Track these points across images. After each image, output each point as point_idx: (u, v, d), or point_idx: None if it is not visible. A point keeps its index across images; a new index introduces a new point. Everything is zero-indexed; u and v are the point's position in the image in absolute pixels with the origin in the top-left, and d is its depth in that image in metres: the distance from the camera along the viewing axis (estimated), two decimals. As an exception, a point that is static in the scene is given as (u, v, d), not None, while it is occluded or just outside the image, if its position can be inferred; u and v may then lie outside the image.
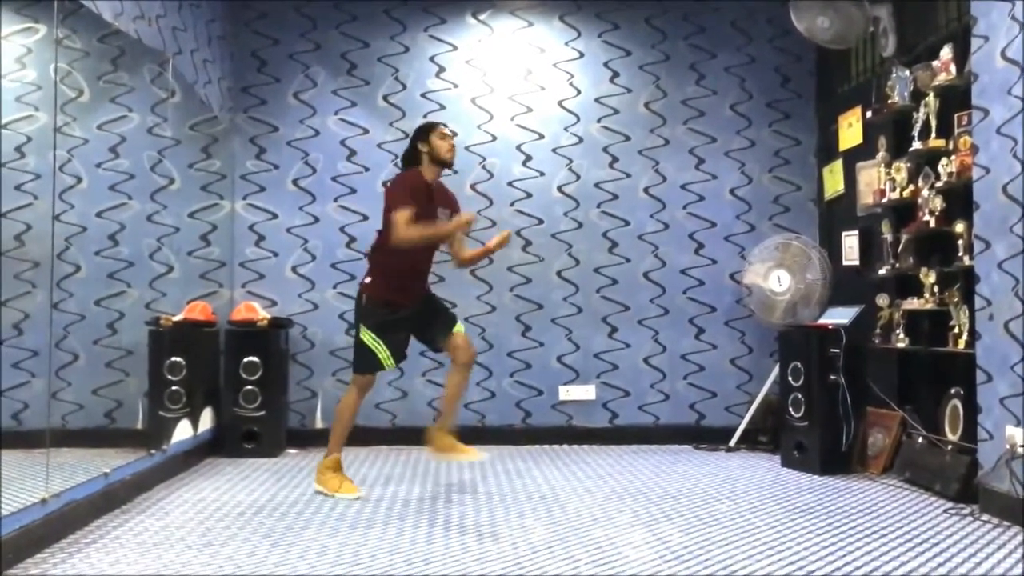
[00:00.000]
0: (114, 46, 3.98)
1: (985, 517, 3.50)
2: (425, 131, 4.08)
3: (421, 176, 4.02)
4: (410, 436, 5.42)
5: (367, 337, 3.96)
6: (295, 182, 5.60)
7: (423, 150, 4.03)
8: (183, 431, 4.59)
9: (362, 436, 5.41)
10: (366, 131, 5.63)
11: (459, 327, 4.05)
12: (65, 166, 3.57)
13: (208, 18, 5.14)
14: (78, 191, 3.76)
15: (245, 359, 5.06)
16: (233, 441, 5.04)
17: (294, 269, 5.57)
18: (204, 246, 5.16)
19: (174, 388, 4.54)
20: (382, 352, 3.95)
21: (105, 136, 4.10)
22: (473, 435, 5.40)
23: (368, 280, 4.03)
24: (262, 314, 5.27)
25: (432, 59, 5.68)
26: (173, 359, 4.55)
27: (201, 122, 5.08)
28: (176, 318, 4.64)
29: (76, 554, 2.96)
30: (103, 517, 3.46)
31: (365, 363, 3.99)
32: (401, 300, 4.01)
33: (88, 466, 3.50)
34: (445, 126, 4.14)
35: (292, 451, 5.26)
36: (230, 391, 5.07)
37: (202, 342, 4.93)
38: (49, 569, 2.79)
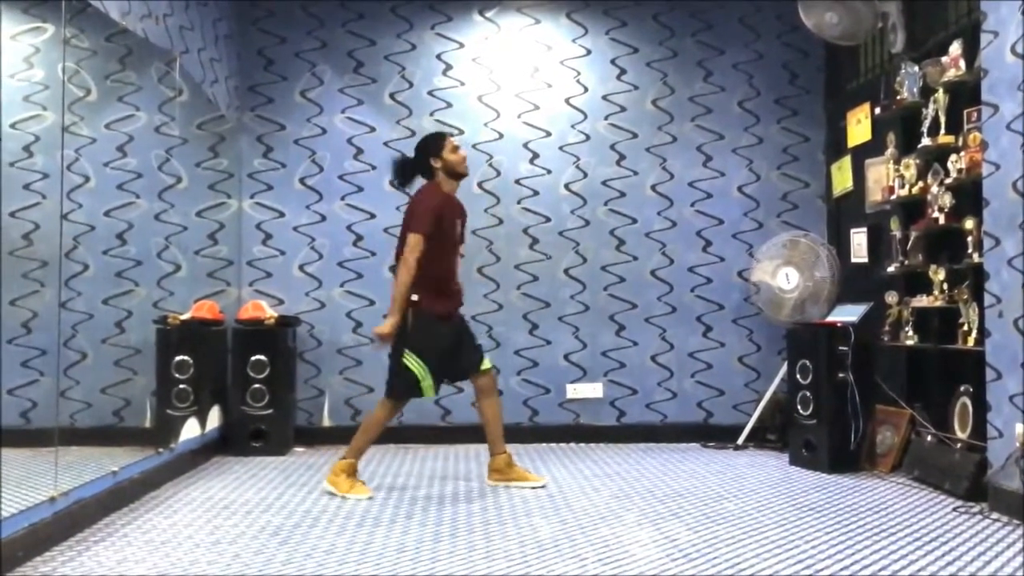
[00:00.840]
0: (121, 45, 3.99)
1: (994, 515, 3.48)
2: (436, 145, 4.09)
3: (443, 192, 4.08)
4: (417, 435, 5.44)
5: (411, 360, 3.95)
6: (302, 180, 5.61)
7: (436, 166, 4.07)
8: (191, 429, 4.60)
9: (369, 434, 5.44)
10: (373, 129, 5.63)
11: (487, 364, 4.17)
12: (73, 165, 3.58)
13: (215, 17, 5.15)
14: (86, 190, 3.77)
15: (252, 357, 5.07)
16: (241, 439, 5.06)
17: (301, 268, 5.58)
18: (211, 245, 5.17)
19: (182, 386, 4.55)
20: (425, 380, 3.96)
21: (113, 135, 4.10)
22: (480, 433, 5.41)
23: (415, 297, 3.95)
24: (269, 312, 5.28)
25: (439, 57, 5.68)
26: (181, 358, 4.55)
27: (208, 121, 5.09)
28: (184, 317, 4.65)
29: (84, 552, 2.97)
30: (111, 515, 3.47)
31: (403, 387, 4.01)
32: (445, 311, 4.06)
33: (96, 464, 3.51)
34: (451, 136, 4.19)
35: (299, 449, 5.27)
36: (237, 389, 5.09)
37: (210, 341, 4.94)
38: (58, 567, 2.79)
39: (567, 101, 5.69)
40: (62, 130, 3.32)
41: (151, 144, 4.38)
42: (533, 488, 4.09)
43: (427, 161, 4.09)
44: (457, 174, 4.11)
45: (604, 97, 5.70)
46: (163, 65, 4.35)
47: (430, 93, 5.66)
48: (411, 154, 4.26)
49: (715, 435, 5.47)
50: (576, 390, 5.58)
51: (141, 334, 4.32)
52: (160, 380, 4.45)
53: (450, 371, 4.13)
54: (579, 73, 5.71)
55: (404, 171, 4.21)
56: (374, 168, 5.60)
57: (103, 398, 3.99)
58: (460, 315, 4.21)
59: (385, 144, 5.60)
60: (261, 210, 5.59)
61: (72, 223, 3.58)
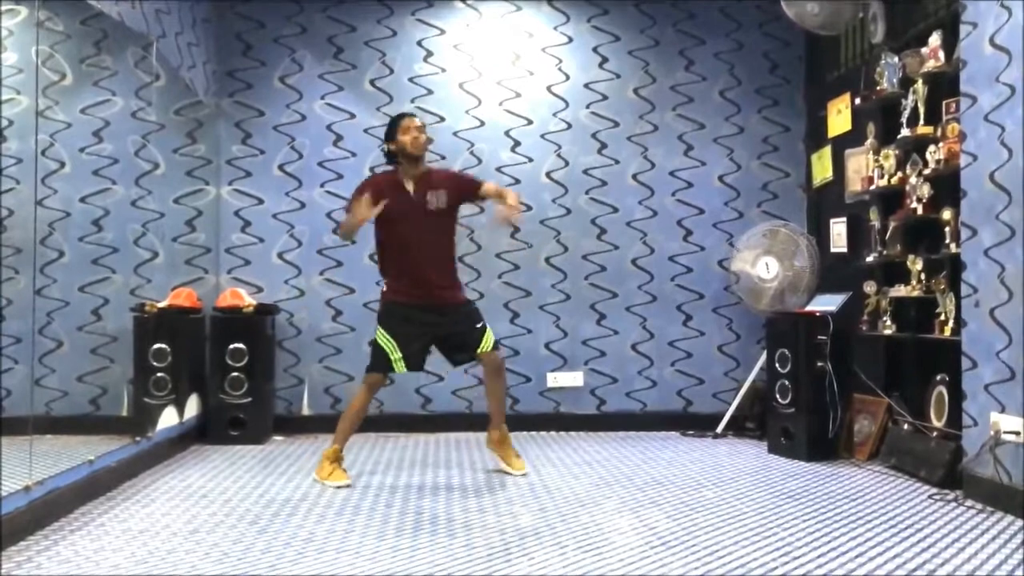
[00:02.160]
0: (97, 29, 3.93)
1: (969, 503, 3.52)
2: (390, 129, 4.08)
3: (391, 174, 4.08)
4: (397, 423, 5.43)
5: (379, 335, 4.03)
6: (281, 167, 5.56)
7: (392, 150, 4.05)
8: (169, 418, 4.57)
9: (349, 423, 5.42)
10: (353, 116, 5.59)
11: (484, 346, 4.08)
12: (48, 150, 3.53)
13: (192, 0, 5.08)
14: (61, 176, 3.72)
15: (231, 346, 5.03)
16: (219, 428, 5.03)
17: (280, 255, 5.54)
18: (189, 232, 5.12)
19: (159, 375, 4.51)
20: (394, 353, 3.98)
21: (88, 120, 4.05)
22: (461, 421, 5.43)
23: (384, 287, 4.13)
24: (248, 300, 5.24)
25: (420, 43, 5.64)
26: (158, 346, 4.52)
27: (186, 106, 5.03)
28: (161, 304, 4.61)
29: (60, 541, 2.94)
30: (88, 504, 3.44)
31: (375, 361, 4.04)
32: (409, 299, 4.03)
33: (72, 453, 3.47)
34: (411, 116, 4.11)
35: (279, 438, 5.24)
36: (216, 378, 5.05)
37: (187, 329, 4.90)
38: (33, 556, 2.77)
39: (549, 89, 5.67)
40: (36, 115, 3.27)
41: (128, 130, 4.32)
42: (512, 475, 4.11)
43: (389, 148, 4.08)
44: (408, 155, 4.02)
45: (586, 85, 5.69)
46: (139, 49, 4.30)
47: (411, 80, 5.62)
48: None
49: (695, 423, 5.50)
50: (557, 379, 5.59)
51: (118, 322, 4.28)
52: (137, 368, 4.41)
53: (420, 354, 4.10)
54: (561, 61, 5.69)
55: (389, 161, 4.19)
56: (354, 155, 5.56)
57: (79, 386, 3.95)
58: (439, 301, 4.08)
59: (365, 131, 5.57)
60: (239, 197, 5.54)
61: (47, 209, 3.54)
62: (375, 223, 4.02)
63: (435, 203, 4.05)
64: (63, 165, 3.73)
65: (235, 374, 5.03)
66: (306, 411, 5.48)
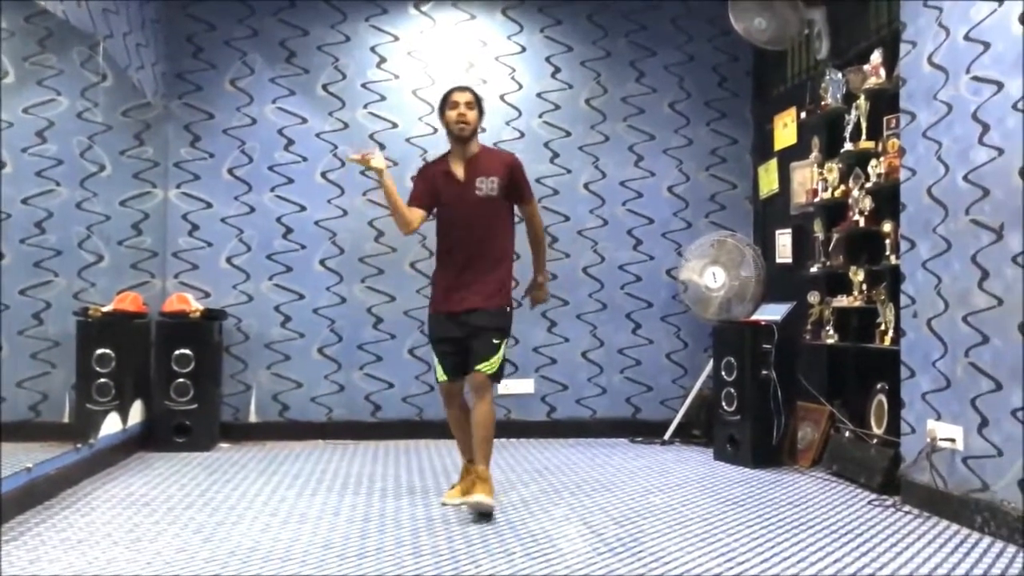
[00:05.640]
0: (41, 27, 3.85)
1: (907, 508, 3.62)
2: (440, 107, 3.79)
3: (442, 159, 3.80)
4: (346, 430, 5.40)
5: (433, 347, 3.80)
6: (231, 171, 5.50)
7: (443, 128, 3.78)
8: (112, 424, 4.48)
9: (298, 431, 5.38)
10: (304, 120, 5.55)
11: (481, 367, 3.58)
12: (-12, 150, 3.45)
13: (141, 1, 5.01)
14: (2, 176, 3.63)
15: (177, 351, 4.96)
16: (164, 435, 4.94)
17: (228, 260, 5.47)
18: (135, 235, 5.03)
19: (103, 380, 4.42)
20: (438, 366, 3.74)
21: (32, 120, 3.96)
22: (412, 429, 5.41)
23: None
24: (195, 305, 5.17)
25: (373, 49, 5.63)
26: (102, 351, 4.43)
27: (133, 108, 4.95)
28: (106, 309, 4.52)
29: (-4, 551, 2.87)
30: (25, 513, 3.36)
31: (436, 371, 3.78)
32: (444, 308, 3.70)
33: (10, 461, 3.38)
34: (462, 89, 3.76)
35: (225, 445, 5.17)
36: (161, 384, 4.97)
37: (132, 333, 4.81)
38: (-33, 567, 2.70)
39: (502, 98, 5.70)
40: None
41: (73, 130, 4.24)
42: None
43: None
44: (452, 135, 3.72)
45: (539, 95, 5.73)
46: (86, 49, 4.22)
47: (364, 86, 5.60)
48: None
49: (643, 430, 5.56)
50: (507, 386, 5.58)
51: (60, 326, 4.19)
52: (80, 374, 4.32)
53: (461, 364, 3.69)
54: (514, 70, 5.72)
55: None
56: (305, 160, 5.52)
57: (19, 392, 3.85)
58: (471, 305, 3.64)
59: (317, 136, 5.53)
60: (188, 200, 5.46)
61: (-14, 210, 3.46)
62: (436, 218, 3.76)
63: (485, 189, 3.67)
64: (4, 165, 3.65)
65: (181, 380, 4.95)
66: (253, 418, 5.42)
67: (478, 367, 3.59)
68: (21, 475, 3.39)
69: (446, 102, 3.73)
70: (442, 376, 3.73)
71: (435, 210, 3.80)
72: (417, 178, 3.89)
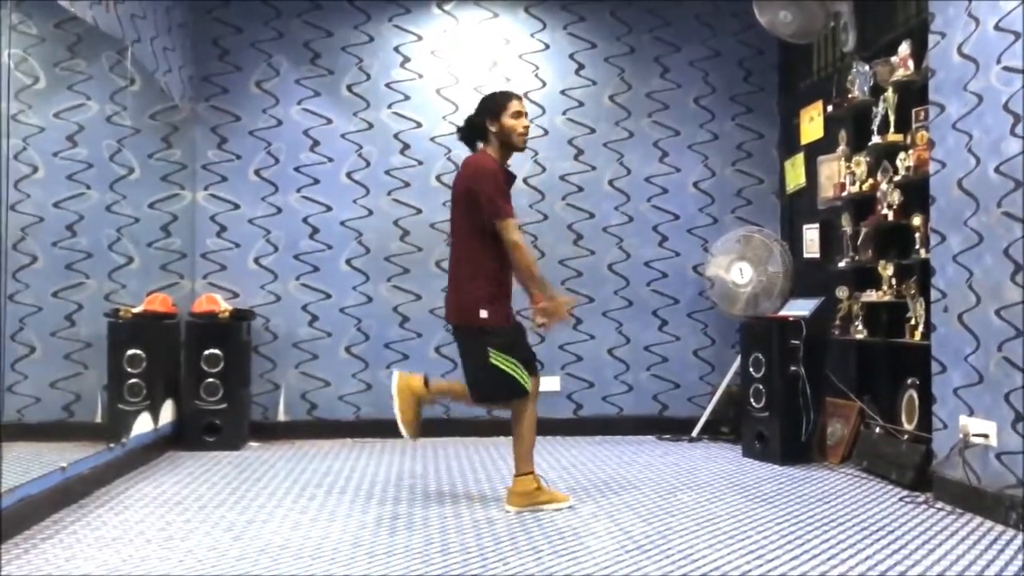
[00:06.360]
0: (71, 33, 3.90)
1: (939, 505, 3.58)
2: (498, 106, 3.57)
3: (496, 161, 3.57)
4: (374, 428, 5.42)
5: (499, 360, 3.49)
6: (257, 172, 5.54)
7: (492, 130, 3.57)
8: (143, 424, 4.53)
9: (326, 429, 5.41)
10: (329, 121, 5.58)
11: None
12: (20, 155, 3.50)
13: (168, 5, 5.06)
14: (35, 180, 3.69)
15: (206, 351, 5.00)
16: (194, 434, 4.99)
17: (256, 260, 5.52)
18: (164, 237, 5.09)
19: (134, 381, 4.48)
20: (521, 374, 3.51)
21: (63, 124, 4.02)
22: (440, 427, 5.43)
23: (485, 313, 3.49)
24: (223, 306, 5.22)
25: (396, 49, 5.65)
26: (133, 351, 4.48)
27: (161, 111, 5.01)
28: (136, 310, 4.58)
29: (32, 550, 2.91)
30: (60, 512, 3.41)
31: (510, 390, 3.53)
32: (514, 318, 3.62)
33: (45, 460, 3.44)
34: (519, 99, 3.63)
35: (254, 444, 5.22)
36: (191, 384, 5.02)
37: (162, 334, 4.87)
38: (4, 566, 2.74)
39: (526, 95, 5.69)
40: (7, 118, 3.24)
41: (102, 134, 4.29)
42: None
43: (483, 123, 3.59)
44: (511, 146, 3.58)
45: (562, 92, 5.72)
46: (114, 54, 4.27)
47: (388, 85, 5.63)
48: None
49: (670, 427, 5.53)
50: (533, 383, 5.60)
51: (92, 327, 4.25)
52: (112, 374, 4.38)
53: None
54: (537, 68, 5.72)
55: (467, 133, 3.70)
56: (331, 160, 5.56)
57: (52, 393, 3.92)
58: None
59: (342, 136, 5.57)
60: (215, 202, 5.52)
61: (20, 214, 3.51)
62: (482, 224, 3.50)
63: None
64: (36, 170, 3.70)
65: (210, 380, 5.00)
66: (282, 417, 5.46)
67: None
68: (56, 475, 3.45)
69: (507, 109, 3.56)
70: (527, 381, 3.58)
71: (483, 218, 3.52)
72: (500, 184, 3.56)
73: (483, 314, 3.51)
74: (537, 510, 3.50)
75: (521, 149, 3.67)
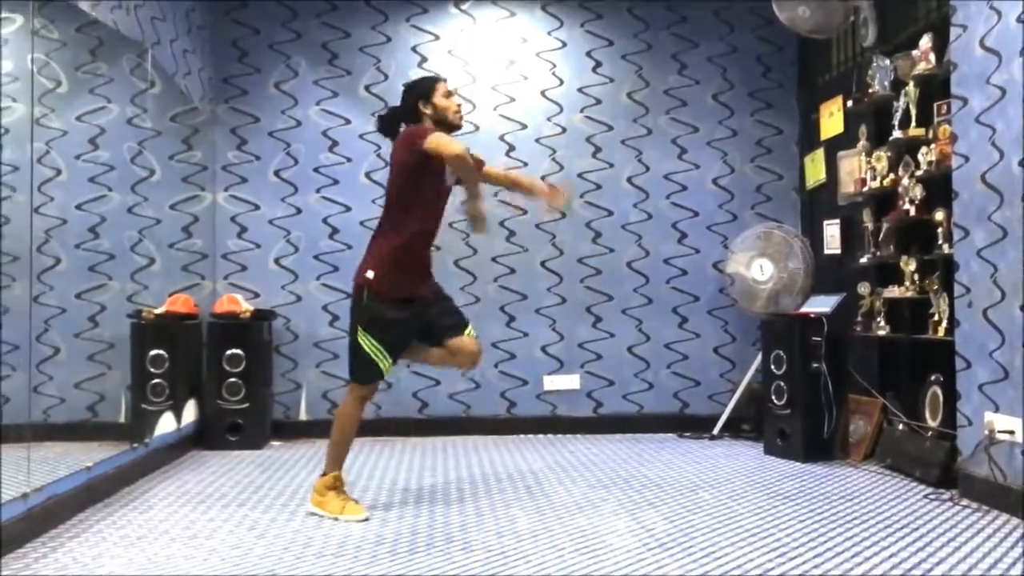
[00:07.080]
0: (92, 36, 3.94)
1: (964, 502, 3.54)
2: (426, 89, 3.56)
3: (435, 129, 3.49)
4: (394, 427, 5.44)
5: (366, 342, 3.43)
6: (277, 173, 5.57)
7: (425, 112, 3.54)
8: (166, 424, 4.57)
9: (347, 427, 5.42)
10: (348, 121, 5.61)
11: (470, 331, 3.63)
12: (43, 158, 3.54)
13: (187, 7, 5.10)
14: (57, 183, 3.73)
15: (228, 351, 5.04)
16: (217, 433, 5.03)
17: (277, 261, 5.55)
18: (186, 238, 5.13)
19: (157, 381, 4.52)
20: (384, 361, 3.45)
21: (84, 127, 4.06)
22: (459, 426, 5.45)
23: (371, 274, 3.45)
24: (245, 306, 5.25)
25: (414, 49, 5.66)
26: (156, 352, 4.52)
27: (181, 113, 5.04)
28: (158, 311, 4.62)
29: (58, 549, 2.94)
30: (86, 511, 3.45)
31: (365, 372, 3.48)
32: (413, 291, 3.52)
33: (70, 460, 3.48)
34: (445, 81, 3.66)
35: (276, 443, 5.25)
36: (213, 383, 5.06)
37: (185, 335, 4.91)
38: (31, 564, 2.77)
39: (543, 93, 5.70)
40: (32, 122, 3.28)
41: (123, 136, 4.33)
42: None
43: (415, 105, 3.55)
44: (448, 124, 3.54)
45: (580, 90, 5.71)
46: (135, 56, 4.31)
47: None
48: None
49: (691, 425, 5.51)
50: (553, 382, 5.60)
51: (115, 328, 4.29)
52: (135, 374, 4.42)
53: (429, 342, 3.66)
54: (555, 65, 5.71)
55: (389, 120, 3.67)
56: (349, 160, 5.58)
57: (77, 393, 3.96)
58: (431, 287, 3.65)
59: (360, 136, 5.58)
60: (236, 203, 5.55)
61: (43, 216, 3.54)
62: (415, 197, 3.47)
63: (450, 181, 3.60)
64: (59, 172, 3.74)
65: (232, 379, 5.03)
66: (303, 416, 5.49)
67: (469, 333, 3.68)
68: (81, 474, 3.49)
69: (436, 90, 3.55)
70: (389, 372, 3.57)
71: (414, 183, 3.47)
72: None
73: (369, 274, 3.47)
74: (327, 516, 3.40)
75: (459, 127, 3.61)
